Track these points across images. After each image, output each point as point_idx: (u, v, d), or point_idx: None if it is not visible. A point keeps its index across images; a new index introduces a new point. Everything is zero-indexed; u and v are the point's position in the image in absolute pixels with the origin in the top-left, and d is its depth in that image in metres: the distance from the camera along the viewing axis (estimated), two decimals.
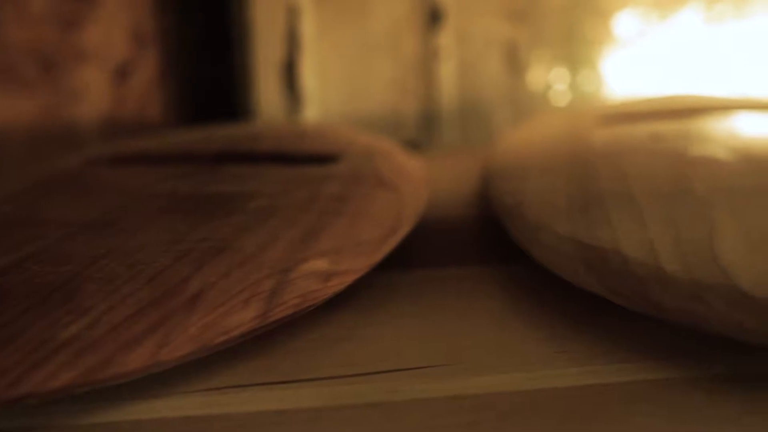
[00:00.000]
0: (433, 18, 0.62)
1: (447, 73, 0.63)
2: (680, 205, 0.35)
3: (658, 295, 0.30)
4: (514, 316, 0.34)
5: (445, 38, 0.62)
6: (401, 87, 0.63)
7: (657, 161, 0.42)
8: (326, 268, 0.33)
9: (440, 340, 0.32)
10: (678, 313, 0.29)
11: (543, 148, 0.47)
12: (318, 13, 0.61)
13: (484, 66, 0.64)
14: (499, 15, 0.64)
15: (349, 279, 0.33)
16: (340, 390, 0.29)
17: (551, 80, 0.65)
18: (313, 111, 0.62)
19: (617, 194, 0.37)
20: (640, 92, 0.65)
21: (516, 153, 0.47)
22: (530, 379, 0.29)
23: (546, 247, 0.35)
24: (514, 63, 0.65)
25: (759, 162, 0.40)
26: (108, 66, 0.60)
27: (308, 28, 0.61)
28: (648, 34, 0.66)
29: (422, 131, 0.63)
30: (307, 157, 0.45)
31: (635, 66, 0.66)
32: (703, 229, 0.33)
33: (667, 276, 0.30)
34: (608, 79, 0.66)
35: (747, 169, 0.40)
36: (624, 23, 0.66)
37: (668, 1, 0.66)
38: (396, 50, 0.63)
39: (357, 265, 0.34)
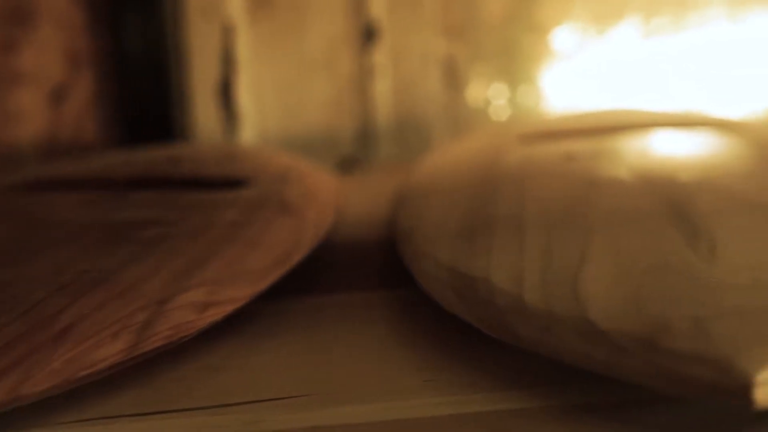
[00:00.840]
0: (368, 36, 0.62)
1: (382, 90, 0.63)
2: (563, 232, 0.35)
3: (516, 326, 0.30)
4: (394, 344, 0.34)
5: (380, 56, 0.63)
6: (337, 105, 0.63)
7: (560, 183, 0.42)
8: (204, 298, 0.33)
9: (315, 369, 0.32)
10: (534, 344, 0.30)
11: (456, 168, 0.48)
12: (253, 33, 0.62)
13: (422, 82, 0.64)
14: (437, 32, 0.64)
15: (228, 308, 0.34)
16: (206, 421, 0.29)
17: (491, 95, 0.66)
18: (250, 130, 0.62)
19: (508, 220, 0.38)
20: (579, 106, 0.66)
21: (429, 173, 0.48)
22: (391, 408, 0.30)
23: (427, 275, 0.35)
24: (453, 79, 0.65)
25: (657, 183, 0.41)
26: (44, 88, 0.60)
27: (244, 48, 0.62)
28: (586, 49, 0.66)
29: (359, 148, 0.64)
30: (219, 182, 0.45)
31: (574, 80, 0.66)
32: (574, 257, 0.33)
33: (525, 307, 0.30)
34: (547, 94, 0.66)
35: (644, 189, 0.40)
36: (562, 38, 0.66)
37: (606, 16, 0.66)
38: (332, 68, 0.63)
39: (239, 294, 0.34)
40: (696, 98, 0.67)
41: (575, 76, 0.66)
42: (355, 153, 0.64)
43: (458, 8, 0.65)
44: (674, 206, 0.38)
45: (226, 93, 0.61)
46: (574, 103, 0.66)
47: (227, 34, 0.61)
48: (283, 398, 0.30)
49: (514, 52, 0.66)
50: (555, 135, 0.52)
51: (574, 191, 0.41)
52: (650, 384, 0.27)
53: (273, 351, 0.34)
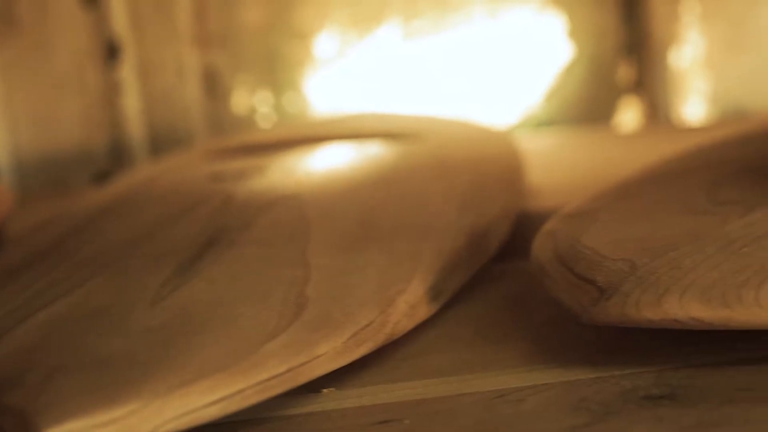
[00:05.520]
0: (111, 52, 0.63)
1: (132, 105, 0.64)
2: (82, 272, 0.36)
3: None
4: None
5: (126, 71, 0.63)
6: (88, 121, 0.64)
7: (149, 215, 0.42)
8: None
9: None
10: None
11: (110, 194, 0.48)
12: (0, 54, 0.63)
13: (179, 94, 0.65)
14: (192, 43, 0.65)
15: None
16: None
17: (255, 103, 0.66)
18: (2, 150, 0.63)
19: (60, 257, 0.38)
20: (345, 110, 0.66)
21: (92, 197, 0.48)
22: None
23: None
24: (214, 89, 0.65)
25: (236, 208, 0.41)
26: None
27: None
28: (349, 53, 0.66)
29: (113, 164, 0.64)
30: None
31: (339, 85, 0.66)
32: (52, 301, 0.33)
33: None
34: (313, 100, 0.66)
35: (210, 216, 0.40)
36: (324, 43, 0.66)
37: (365, 20, 0.66)
38: (81, 85, 0.64)
39: None
40: (463, 97, 0.66)
41: (340, 81, 0.66)
42: (109, 168, 0.64)
43: (214, 18, 0.65)
44: (211, 233, 0.38)
45: None
46: (340, 107, 0.66)
47: None
48: None
49: (276, 59, 0.66)
50: (245, 150, 0.52)
51: (149, 224, 0.41)
52: None
53: None
